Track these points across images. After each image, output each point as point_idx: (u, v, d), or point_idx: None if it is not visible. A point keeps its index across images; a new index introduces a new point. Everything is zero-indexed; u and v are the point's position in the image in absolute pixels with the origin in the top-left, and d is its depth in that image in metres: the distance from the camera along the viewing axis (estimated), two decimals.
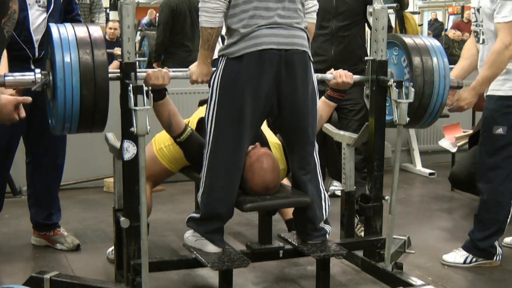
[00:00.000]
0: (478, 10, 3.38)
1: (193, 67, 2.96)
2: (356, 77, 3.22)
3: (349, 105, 4.19)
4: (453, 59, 10.54)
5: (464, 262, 3.49)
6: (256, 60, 2.69)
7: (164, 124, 3.04)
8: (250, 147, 3.04)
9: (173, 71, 2.95)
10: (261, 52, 2.69)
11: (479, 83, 3.34)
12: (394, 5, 5.66)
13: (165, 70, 2.88)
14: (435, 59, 3.08)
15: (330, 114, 3.33)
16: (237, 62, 2.71)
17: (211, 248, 2.87)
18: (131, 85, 2.59)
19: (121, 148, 2.75)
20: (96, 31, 2.63)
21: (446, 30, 13.53)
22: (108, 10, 10.95)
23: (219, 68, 2.76)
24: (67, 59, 2.50)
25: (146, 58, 6.62)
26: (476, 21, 3.42)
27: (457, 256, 3.52)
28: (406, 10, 6.28)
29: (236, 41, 2.72)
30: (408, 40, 3.13)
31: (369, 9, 3.08)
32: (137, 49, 7.28)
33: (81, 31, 2.60)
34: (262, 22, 2.71)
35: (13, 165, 4.79)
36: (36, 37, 3.33)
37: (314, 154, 2.97)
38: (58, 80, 2.50)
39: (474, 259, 3.49)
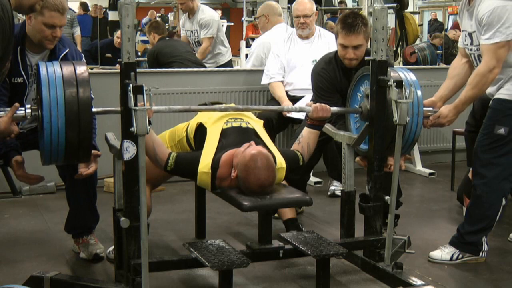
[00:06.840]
0: (470, 34, 3.44)
1: None
2: (334, 109, 3.28)
3: None
4: (452, 59, 10.50)
5: (451, 259, 3.52)
6: None
7: (150, 154, 3.04)
8: (245, 145, 3.04)
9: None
10: None
11: (461, 102, 3.42)
12: (394, 5, 5.68)
13: (148, 105, 2.87)
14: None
15: (316, 140, 3.31)
16: None
17: None
18: (131, 85, 2.59)
19: (121, 148, 2.75)
20: (82, 70, 2.73)
21: (446, 30, 13.50)
22: (107, 10, 10.97)
23: None
24: (53, 100, 2.64)
25: (146, 58, 6.61)
26: (467, 44, 3.49)
27: (444, 253, 3.55)
28: (406, 10, 6.29)
29: None
30: None
31: (369, 9, 3.08)
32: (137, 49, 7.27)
33: (68, 70, 2.72)
34: None
35: None
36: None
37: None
38: (44, 122, 2.63)
39: (460, 256, 3.53)
